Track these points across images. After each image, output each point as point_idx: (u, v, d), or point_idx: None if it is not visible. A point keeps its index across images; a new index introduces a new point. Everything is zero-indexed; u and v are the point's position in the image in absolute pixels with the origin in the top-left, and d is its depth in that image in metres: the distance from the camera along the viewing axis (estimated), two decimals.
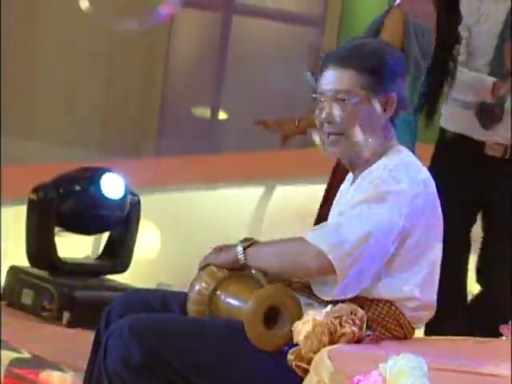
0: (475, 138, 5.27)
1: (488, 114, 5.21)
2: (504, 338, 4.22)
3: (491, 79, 5.25)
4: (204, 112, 10.24)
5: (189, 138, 9.53)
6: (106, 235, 6.76)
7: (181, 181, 7.62)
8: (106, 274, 6.58)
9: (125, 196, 6.53)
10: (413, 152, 4.09)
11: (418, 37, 4.95)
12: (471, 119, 5.25)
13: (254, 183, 7.46)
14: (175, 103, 10.18)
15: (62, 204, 6.48)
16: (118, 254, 6.62)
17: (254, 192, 7.44)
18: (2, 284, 6.55)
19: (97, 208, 6.51)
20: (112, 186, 6.52)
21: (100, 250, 6.87)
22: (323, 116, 3.75)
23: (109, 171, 6.56)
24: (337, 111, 3.73)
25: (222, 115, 10.12)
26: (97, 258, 6.73)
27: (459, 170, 5.22)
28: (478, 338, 4.51)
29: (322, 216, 5.04)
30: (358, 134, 3.73)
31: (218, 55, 10.12)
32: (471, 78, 5.25)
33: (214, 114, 10.08)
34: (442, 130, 5.39)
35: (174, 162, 8.60)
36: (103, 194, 6.49)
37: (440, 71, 5.07)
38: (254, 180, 7.22)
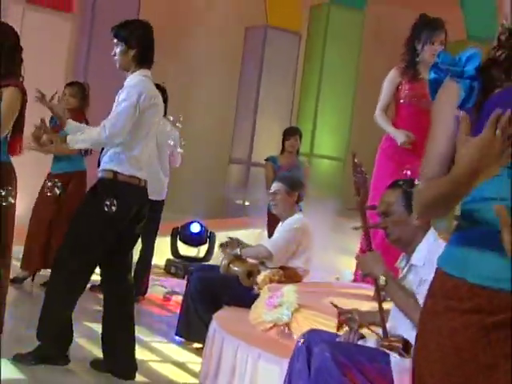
0: None
1: None
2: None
3: None
4: None
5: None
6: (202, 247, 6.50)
7: (237, 226, 6.80)
8: (202, 261, 6.34)
9: (204, 233, 6.50)
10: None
11: None
12: None
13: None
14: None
15: (181, 235, 6.51)
16: (207, 254, 6.54)
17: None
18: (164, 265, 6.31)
19: (190, 237, 6.48)
20: (197, 229, 6.49)
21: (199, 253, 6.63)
22: (270, 198, 3.79)
23: (195, 222, 6.49)
24: (274, 196, 3.75)
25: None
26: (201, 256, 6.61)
27: None
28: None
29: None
30: (280, 206, 3.73)
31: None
32: None
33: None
34: None
35: (235, 220, 7.43)
36: (193, 232, 6.47)
37: None
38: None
